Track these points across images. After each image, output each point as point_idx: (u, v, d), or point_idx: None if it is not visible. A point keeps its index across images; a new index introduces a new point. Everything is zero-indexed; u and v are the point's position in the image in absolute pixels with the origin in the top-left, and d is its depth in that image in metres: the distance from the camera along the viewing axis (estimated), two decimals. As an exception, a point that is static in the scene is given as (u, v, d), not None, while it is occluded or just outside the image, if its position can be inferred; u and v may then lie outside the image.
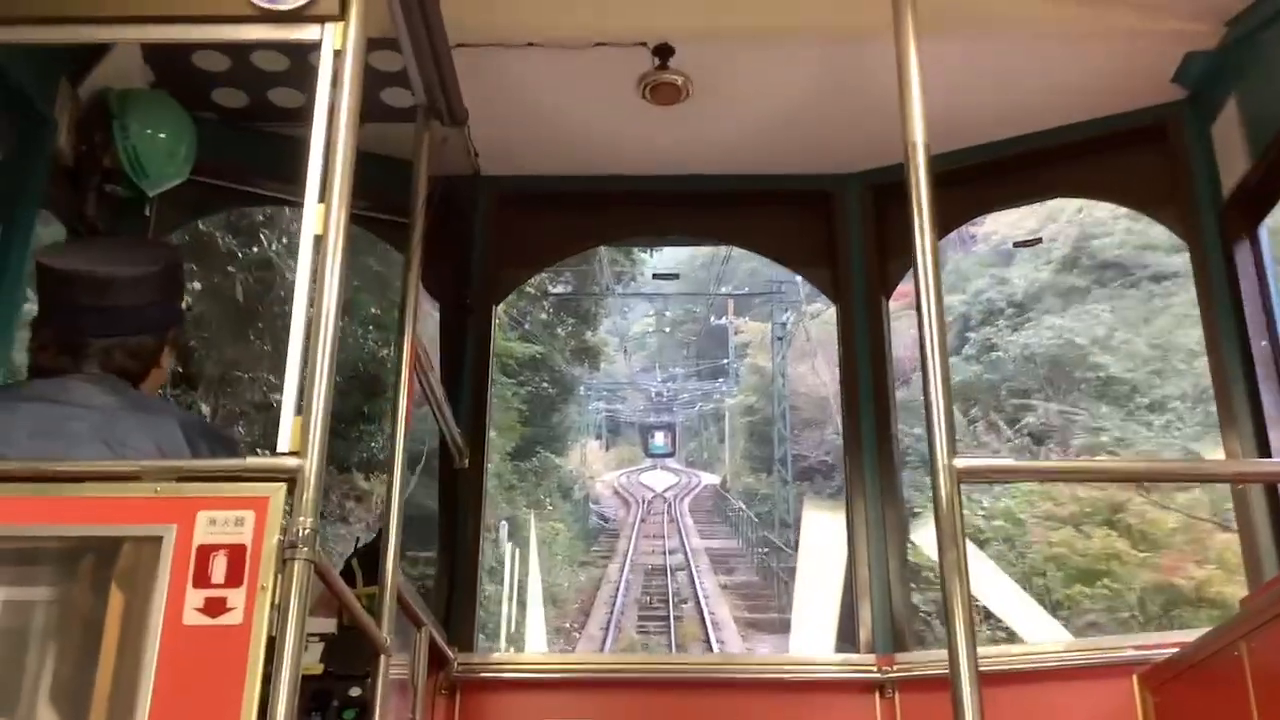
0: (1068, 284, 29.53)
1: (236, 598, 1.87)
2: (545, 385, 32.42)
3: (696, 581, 31.33)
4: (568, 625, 26.44)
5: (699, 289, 50.01)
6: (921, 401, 2.27)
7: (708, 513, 50.23)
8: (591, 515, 46.47)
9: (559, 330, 33.25)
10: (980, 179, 4.44)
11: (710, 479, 57.91)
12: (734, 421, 56.17)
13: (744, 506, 42.73)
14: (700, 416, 66.60)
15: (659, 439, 63.24)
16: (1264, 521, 3.63)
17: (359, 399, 14.20)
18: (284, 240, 11.55)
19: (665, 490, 55.78)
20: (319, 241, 2.17)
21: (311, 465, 1.97)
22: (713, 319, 59.16)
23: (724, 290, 50.34)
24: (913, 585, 4.62)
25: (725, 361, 60.96)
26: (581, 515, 41.98)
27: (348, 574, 3.41)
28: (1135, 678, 3.60)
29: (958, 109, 3.99)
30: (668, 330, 71.17)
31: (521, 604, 20.73)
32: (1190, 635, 3.40)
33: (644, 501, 51.88)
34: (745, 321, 58.10)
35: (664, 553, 37.23)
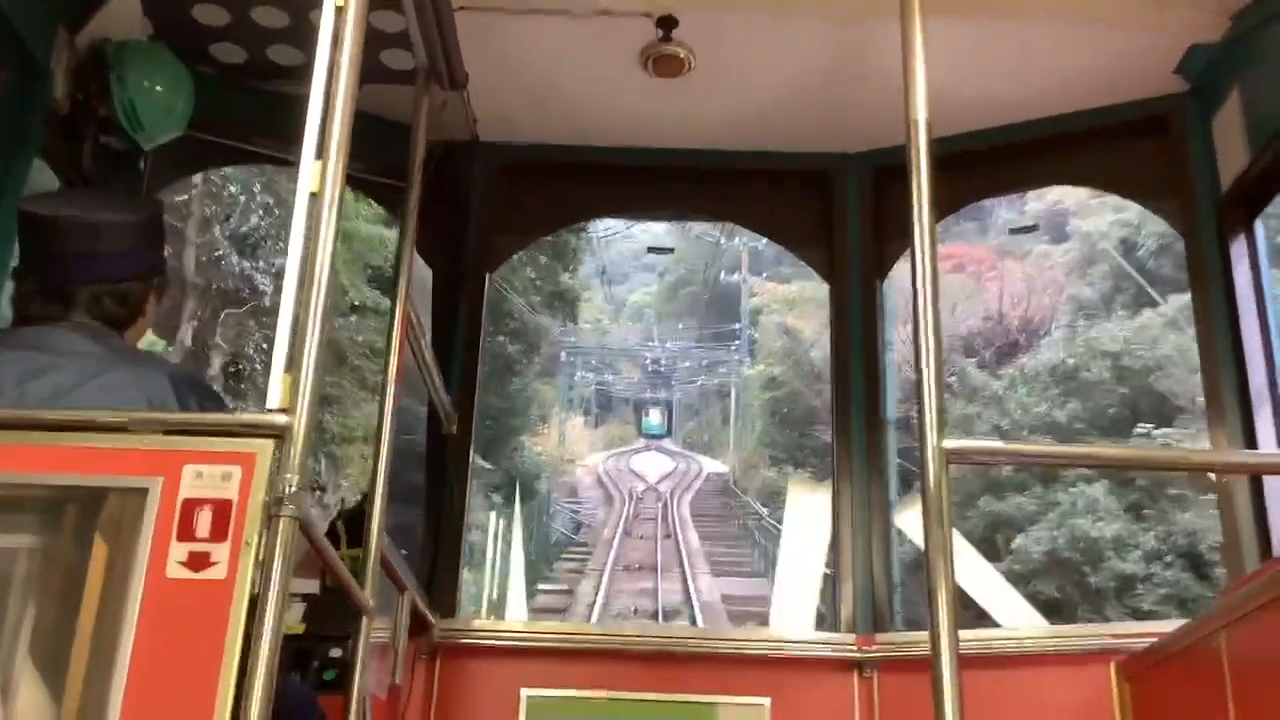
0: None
1: (220, 553, 1.86)
2: (503, 340, 23.98)
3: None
4: None
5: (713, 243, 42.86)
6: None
7: (717, 519, 37.43)
8: (559, 518, 35.29)
9: (527, 270, 24.96)
10: (979, 164, 4.43)
11: (714, 466, 48.41)
12: (748, 397, 46.22)
13: (765, 512, 30.95)
14: (702, 393, 59.87)
15: (654, 417, 58.79)
16: (1246, 513, 3.65)
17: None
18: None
19: (660, 481, 44.98)
20: (314, 199, 2.16)
21: (300, 423, 1.96)
22: (723, 275, 52.82)
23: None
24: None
25: (736, 326, 53.45)
26: (535, 530, 28.21)
27: (332, 536, 3.41)
28: (1113, 665, 3.63)
29: (960, 93, 3.98)
30: (669, 283, 63.91)
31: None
32: (1169, 625, 3.42)
33: (631, 498, 40.20)
34: (761, 281, 50.53)
35: (657, 613, 23.76)
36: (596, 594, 24.85)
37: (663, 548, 30.92)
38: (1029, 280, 32.83)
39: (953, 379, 27.97)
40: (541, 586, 25.59)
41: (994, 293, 32.92)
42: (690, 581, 26.25)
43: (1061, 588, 21.29)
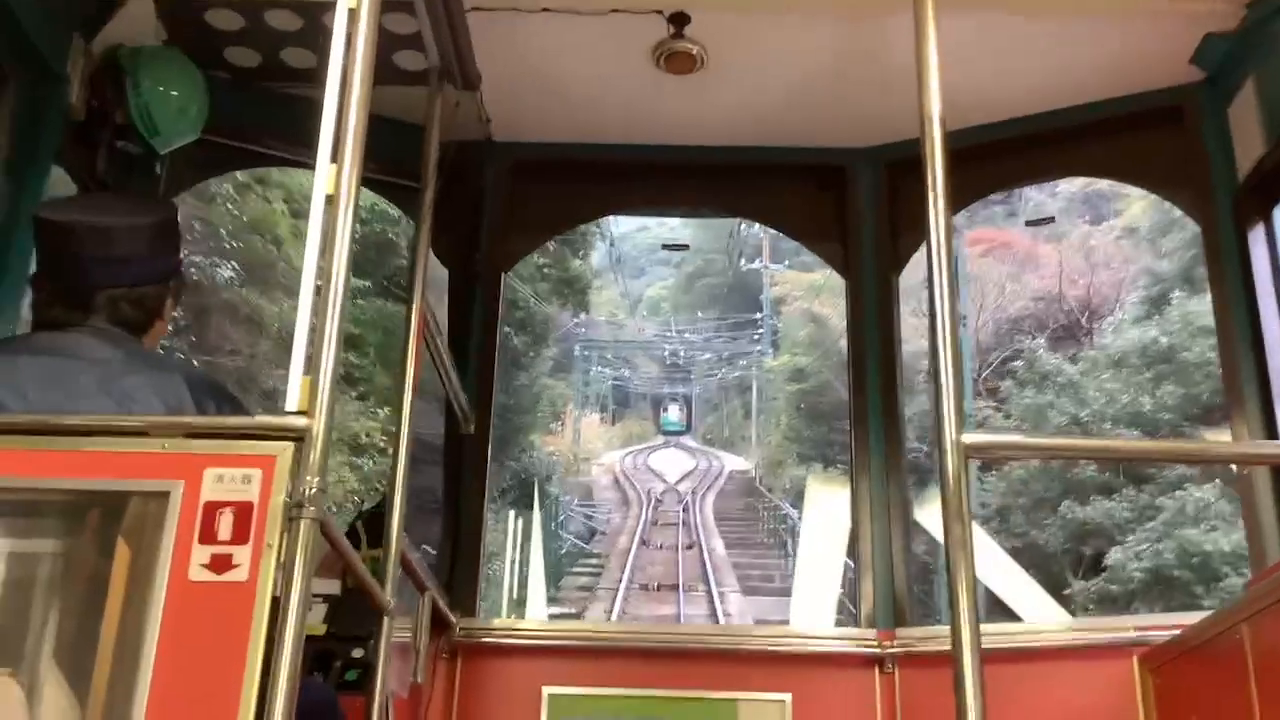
0: None
1: (242, 555, 1.87)
2: (508, 331, 21.18)
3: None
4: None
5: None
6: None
7: (744, 523, 34.52)
8: (571, 523, 32.62)
9: (535, 256, 22.22)
10: (993, 157, 4.41)
11: (736, 463, 45.50)
12: (772, 390, 43.53)
13: (795, 515, 27.59)
14: (721, 387, 57.81)
15: (673, 413, 57.89)
16: (1269, 505, 3.63)
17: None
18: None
19: (680, 481, 41.76)
20: (330, 201, 2.16)
21: (319, 425, 1.97)
22: (743, 264, 50.16)
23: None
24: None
25: (757, 316, 51.06)
26: (543, 540, 23.22)
27: (352, 537, 3.43)
28: (1136, 658, 3.61)
29: (975, 85, 3.97)
30: (686, 274, 61.38)
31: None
32: (1192, 618, 3.40)
33: (650, 500, 37.14)
34: (783, 270, 47.40)
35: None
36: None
37: (685, 560, 27.86)
38: (1089, 254, 31.22)
39: (1018, 363, 26.03)
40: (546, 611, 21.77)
41: (1050, 270, 31.30)
42: (717, 603, 23.59)
43: (1169, 612, 17.68)
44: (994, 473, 22.49)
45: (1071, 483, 21.30)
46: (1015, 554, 19.95)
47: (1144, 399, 21.34)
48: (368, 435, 17.93)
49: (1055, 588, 19.68)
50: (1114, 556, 19.68)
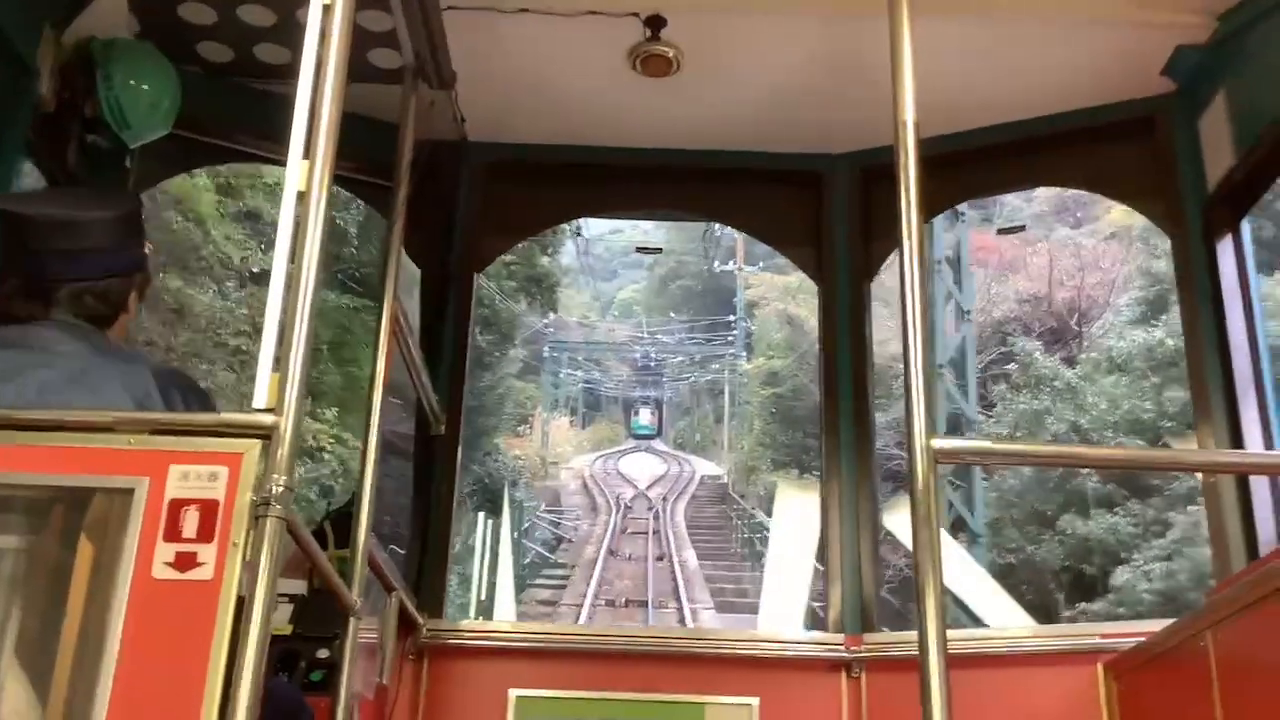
0: None
1: (207, 553, 1.85)
2: (474, 329, 21.08)
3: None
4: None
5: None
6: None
7: (716, 531, 33.77)
8: (536, 531, 31.66)
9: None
10: (967, 164, 4.44)
11: (708, 468, 45.06)
12: (745, 394, 42.71)
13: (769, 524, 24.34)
14: (693, 390, 57.38)
15: (644, 416, 57.62)
16: (1233, 513, 3.66)
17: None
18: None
19: (650, 486, 40.82)
20: (301, 198, 2.15)
21: (287, 423, 1.95)
22: (717, 266, 49.37)
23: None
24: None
25: (730, 319, 50.30)
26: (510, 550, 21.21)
27: (319, 536, 3.41)
28: (1100, 665, 3.64)
29: (947, 94, 3.98)
30: (659, 276, 60.67)
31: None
32: (1156, 625, 3.43)
33: (619, 507, 36.21)
34: (758, 272, 46.38)
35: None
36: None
37: (654, 573, 26.76)
38: (1076, 255, 30.62)
39: (1011, 366, 25.03)
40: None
41: (1037, 272, 30.55)
42: (689, 621, 22.38)
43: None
44: (984, 481, 22.02)
45: (1072, 494, 20.48)
46: (1009, 570, 19.49)
47: (1146, 404, 20.26)
48: (313, 438, 16.86)
49: (1054, 608, 19.26)
50: (1122, 576, 18.61)
